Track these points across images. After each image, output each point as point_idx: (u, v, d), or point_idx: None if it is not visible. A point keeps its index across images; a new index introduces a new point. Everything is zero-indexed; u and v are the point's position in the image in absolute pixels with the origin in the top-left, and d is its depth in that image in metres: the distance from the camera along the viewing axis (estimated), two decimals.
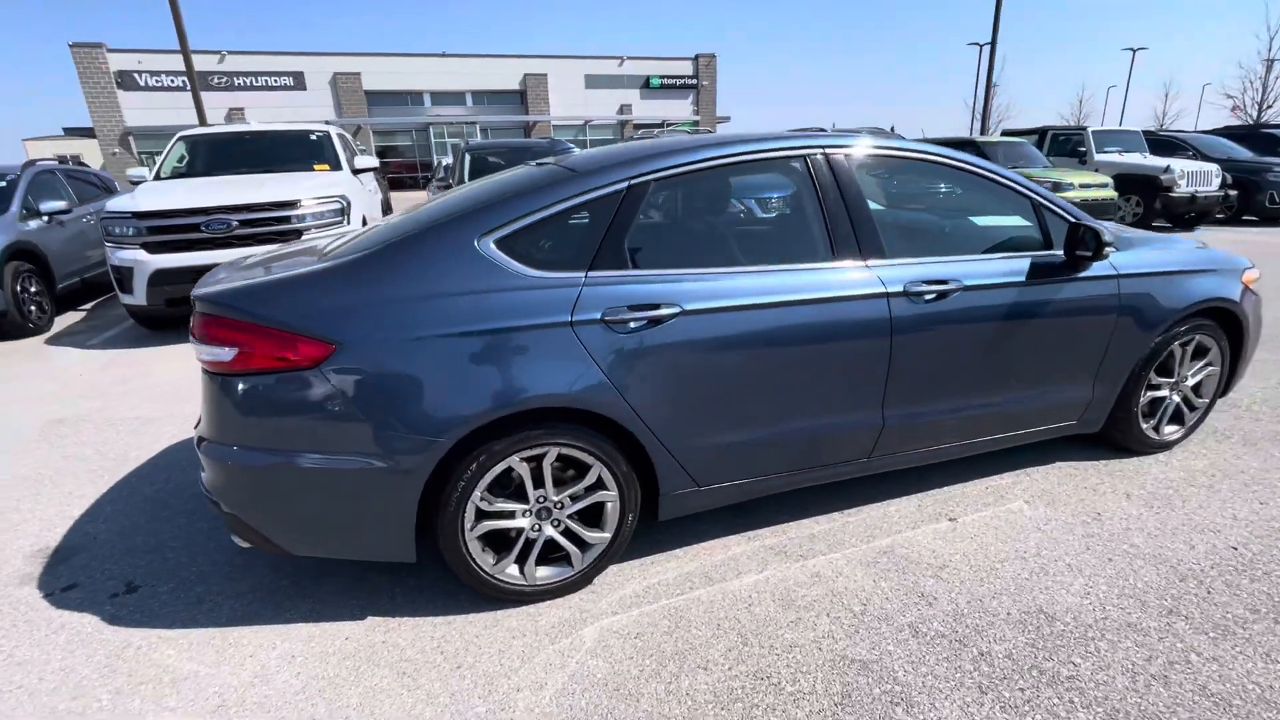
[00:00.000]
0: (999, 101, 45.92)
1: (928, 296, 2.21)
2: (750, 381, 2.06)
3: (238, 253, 4.71)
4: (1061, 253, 2.43)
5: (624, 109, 34.22)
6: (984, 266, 2.33)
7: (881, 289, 2.15)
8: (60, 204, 6.23)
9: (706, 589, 2.12)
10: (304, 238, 4.28)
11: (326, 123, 8.24)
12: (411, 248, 1.85)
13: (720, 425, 2.07)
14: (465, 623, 2.00)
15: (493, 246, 1.88)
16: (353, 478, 1.78)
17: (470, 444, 1.84)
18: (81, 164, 7.63)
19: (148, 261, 4.88)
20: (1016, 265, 2.37)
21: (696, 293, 1.97)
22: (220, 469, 1.82)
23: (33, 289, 5.76)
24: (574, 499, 2.03)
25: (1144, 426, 2.80)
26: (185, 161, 6.27)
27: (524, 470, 1.92)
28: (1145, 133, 12.45)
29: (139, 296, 4.98)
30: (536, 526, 2.01)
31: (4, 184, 6.03)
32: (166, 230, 4.92)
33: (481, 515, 1.93)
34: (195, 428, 1.94)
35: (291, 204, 5.20)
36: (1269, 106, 35.32)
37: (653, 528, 2.46)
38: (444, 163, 15.72)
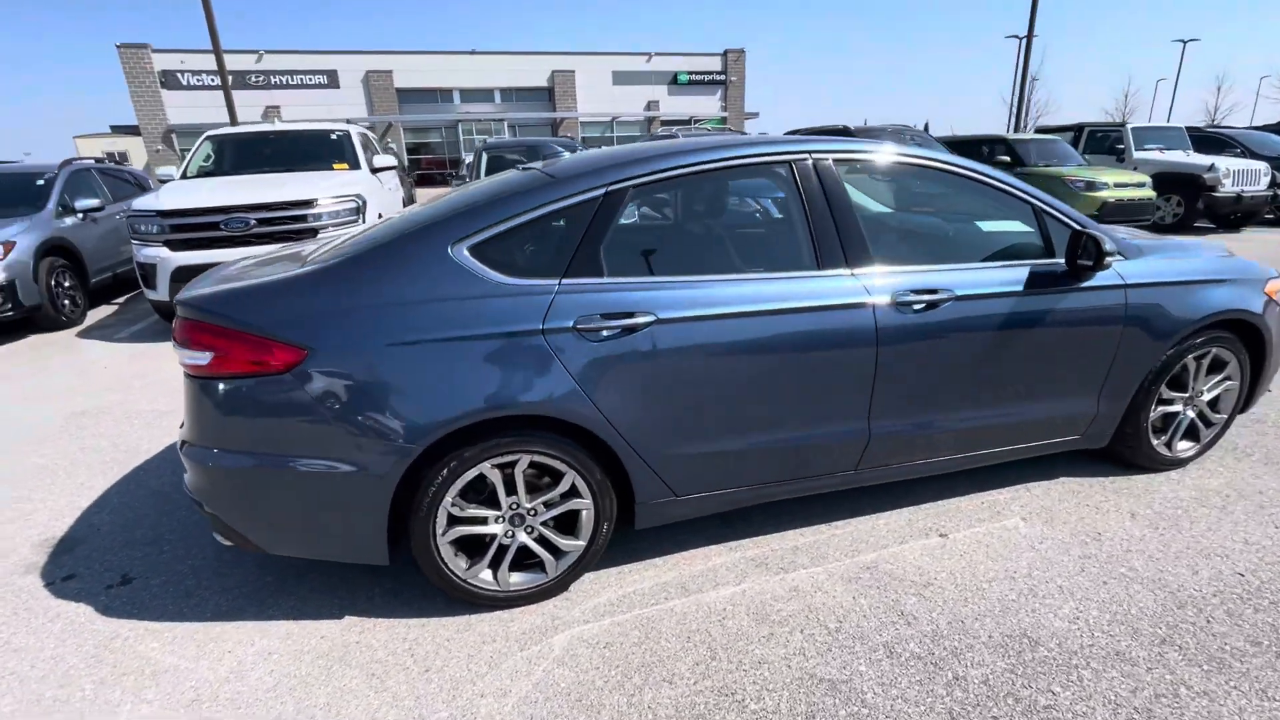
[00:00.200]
0: (1038, 97, 44.52)
1: (917, 306, 2.15)
2: (729, 391, 2.03)
3: (256, 250, 4.83)
4: (1063, 261, 2.34)
5: (651, 105, 34.15)
6: (979, 275, 2.25)
7: (867, 298, 2.09)
8: (94, 201, 6.47)
9: (681, 600, 2.10)
10: (318, 236, 4.36)
11: (349, 121, 8.39)
12: (385, 255, 1.86)
13: (698, 435, 2.05)
14: (439, 626, 2.02)
15: (466, 253, 1.88)
16: (325, 481, 1.80)
17: (440, 450, 1.85)
18: (118, 161, 7.88)
19: (170, 258, 5.04)
20: (1014, 274, 2.28)
21: (673, 301, 1.95)
22: (200, 471, 1.86)
23: (66, 283, 6.00)
24: (548, 506, 2.02)
25: (1154, 442, 2.67)
26: (211, 160, 6.45)
27: (496, 477, 1.93)
28: (1190, 129, 11.92)
29: (162, 292, 5.15)
30: (510, 533, 2.02)
31: (41, 182, 6.29)
32: (188, 228, 5.07)
33: (453, 520, 1.94)
34: (180, 429, 1.99)
35: (308, 203, 5.30)
36: None
37: (634, 536, 2.45)
38: (468, 161, 15.89)
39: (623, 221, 2.05)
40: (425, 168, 29.59)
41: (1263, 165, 10.20)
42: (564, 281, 1.90)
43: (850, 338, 2.07)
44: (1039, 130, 13.40)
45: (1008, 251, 2.40)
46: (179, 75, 27.09)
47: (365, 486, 1.81)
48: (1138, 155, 10.87)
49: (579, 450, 1.95)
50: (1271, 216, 11.19)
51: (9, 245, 5.39)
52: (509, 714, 1.69)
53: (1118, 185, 9.07)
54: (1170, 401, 2.67)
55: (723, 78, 35.27)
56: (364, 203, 5.63)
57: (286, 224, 5.24)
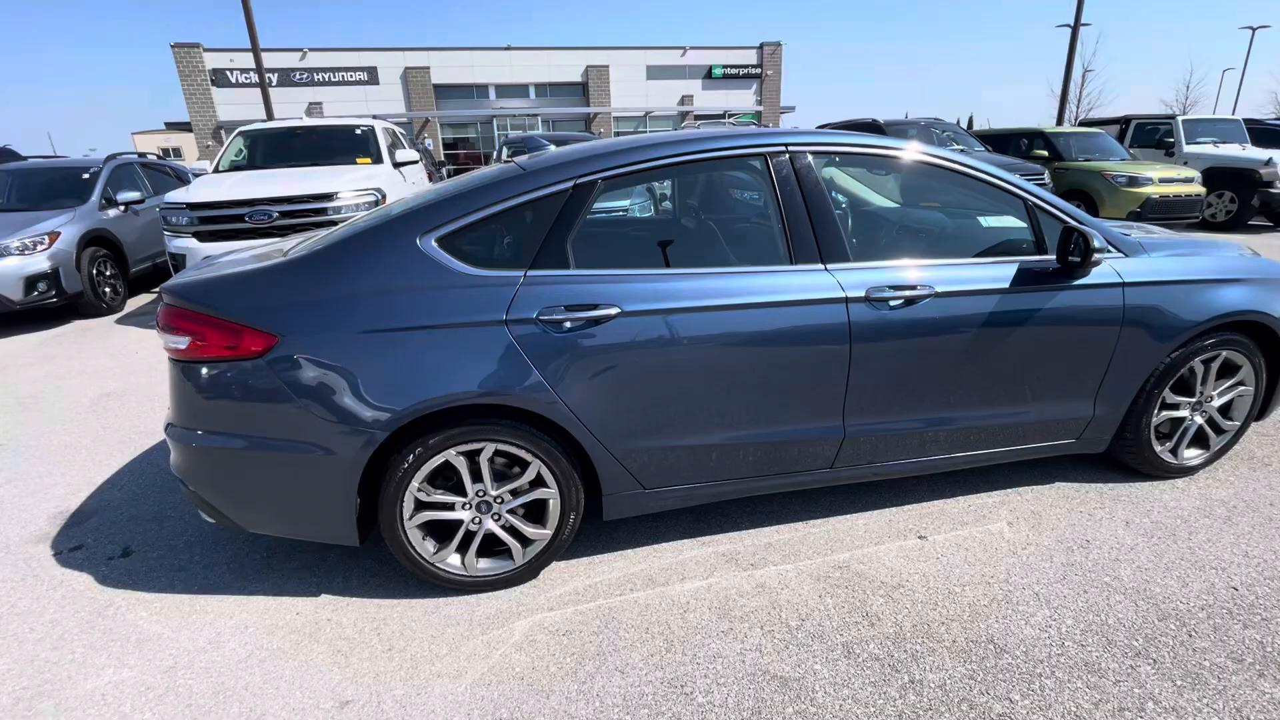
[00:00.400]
0: (1091, 87, 42.63)
1: (893, 303, 2.10)
2: (696, 385, 2.02)
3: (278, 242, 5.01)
4: (1054, 258, 2.25)
5: (684, 100, 33.90)
6: (962, 272, 2.18)
7: (840, 294, 2.06)
8: (135, 194, 6.79)
9: (646, 591, 2.11)
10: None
11: (374, 117, 8.59)
12: (356, 246, 1.91)
13: (665, 428, 2.05)
14: (407, 607, 2.07)
15: (434, 244, 1.92)
16: (295, 463, 1.87)
17: (406, 436, 1.90)
18: (160, 156, 8.25)
19: (198, 249, 5.26)
20: (1001, 271, 2.21)
21: (639, 294, 1.95)
22: (182, 450, 1.95)
23: (108, 272, 6.32)
24: (515, 494, 2.06)
25: (1158, 449, 2.56)
26: (243, 155, 6.70)
27: (462, 464, 1.96)
28: (1250, 122, 11.27)
29: None
30: (476, 519, 2.06)
31: (87, 176, 6.63)
32: (215, 220, 5.29)
33: (421, 505, 1.99)
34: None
35: (329, 196, 5.47)
36: None
37: (610, 527, 2.47)
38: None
39: (593, 214, 2.06)
40: (462, 162, 30.09)
41: None
42: (530, 273, 1.92)
43: (821, 334, 2.04)
44: (1082, 123, 12.85)
45: (1001, 248, 2.32)
46: (228, 73, 28.09)
47: (333, 469, 1.87)
48: (1188, 149, 10.33)
49: (544, 440, 1.98)
50: None
51: (54, 235, 5.71)
52: (461, 694, 1.73)
53: (1163, 180, 8.65)
54: (1175, 406, 2.55)
55: (759, 71, 34.77)
56: (384, 195, 5.77)
57: (308, 216, 5.41)
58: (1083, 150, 9.76)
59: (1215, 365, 2.50)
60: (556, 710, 1.67)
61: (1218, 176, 9.70)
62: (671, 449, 2.08)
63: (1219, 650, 1.78)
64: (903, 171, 2.38)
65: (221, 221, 5.29)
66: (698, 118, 32.70)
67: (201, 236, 5.31)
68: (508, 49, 31.70)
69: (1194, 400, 2.55)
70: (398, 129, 8.30)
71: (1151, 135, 11.14)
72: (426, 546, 2.04)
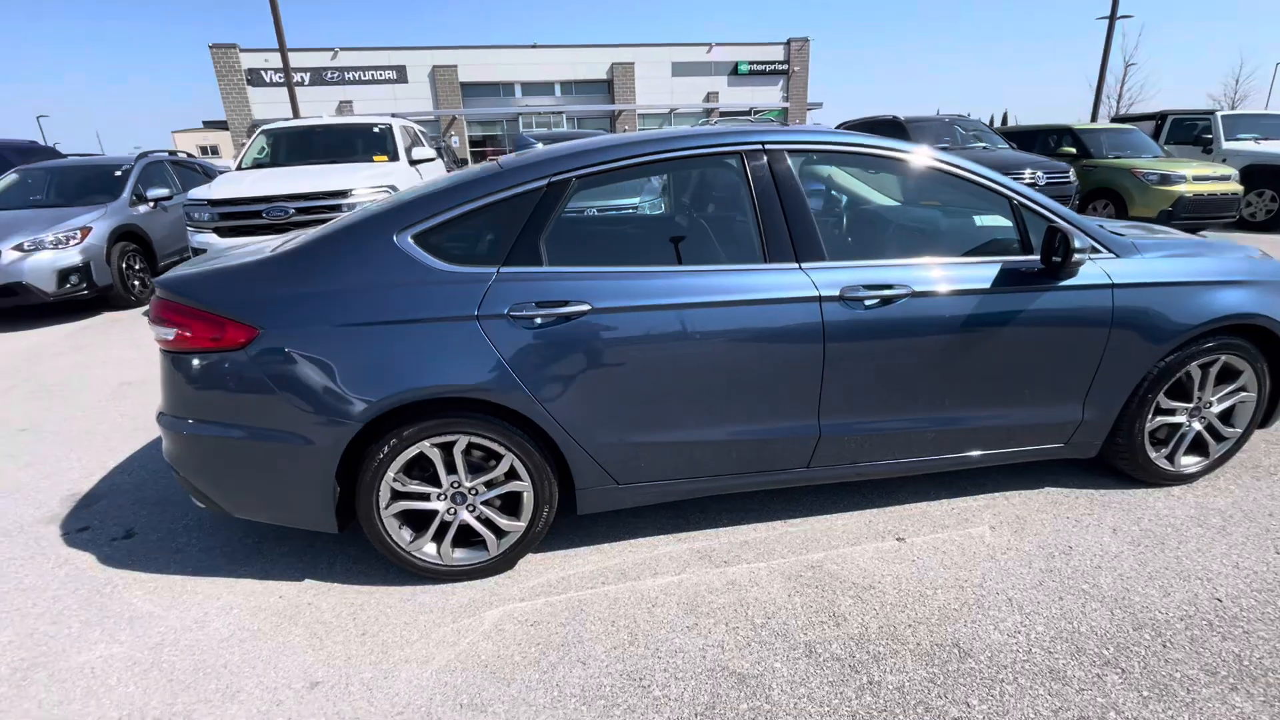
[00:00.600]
0: (1132, 81, 41.17)
1: (869, 302, 2.09)
2: (667, 383, 2.04)
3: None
4: (1039, 258, 2.21)
5: (710, 96, 33.74)
6: (942, 272, 2.15)
7: (814, 293, 2.05)
8: (164, 191, 7.04)
9: (618, 585, 2.13)
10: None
11: (391, 115, 8.74)
12: (336, 242, 1.97)
13: (637, 425, 2.07)
14: (385, 594, 2.13)
15: (410, 241, 1.97)
16: (277, 452, 1.94)
17: (382, 428, 1.95)
18: (191, 155, 8.53)
19: (218, 244, 5.43)
20: (983, 271, 2.18)
21: (610, 291, 1.97)
22: (172, 438, 2.04)
23: (136, 266, 6.57)
24: (489, 486, 2.10)
25: (1152, 455, 2.49)
26: (265, 153, 6.89)
27: (436, 456, 2.01)
28: None
29: None
30: (452, 510, 2.10)
31: (119, 173, 6.89)
32: (234, 216, 5.46)
33: (397, 495, 2.05)
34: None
35: (344, 193, 5.60)
36: None
37: (589, 521, 2.50)
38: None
39: (565, 212, 2.09)
40: (491, 159, 30.45)
41: None
42: (502, 270, 1.96)
43: (794, 333, 2.04)
44: (1115, 119, 12.44)
45: (988, 247, 2.29)
46: (263, 73, 28.83)
47: (311, 458, 1.93)
48: (1227, 146, 9.94)
49: (516, 434, 2.02)
50: None
51: (86, 230, 5.95)
52: (426, 679, 1.78)
53: (1197, 178, 8.32)
54: (1171, 411, 2.47)
55: (785, 67, 34.41)
56: (397, 192, 5.88)
57: (324, 212, 5.54)
58: (1113, 147, 9.45)
59: (1214, 370, 2.42)
60: (515, 698, 1.71)
61: (1257, 174, 9.32)
62: (644, 445, 2.10)
63: (1193, 662, 1.74)
64: (882, 170, 2.35)
65: (240, 217, 5.46)
66: (722, 114, 32.50)
67: (222, 232, 5.49)
68: (534, 47, 31.92)
69: (1191, 406, 2.47)
70: (418, 128, 8.45)
71: (1189, 131, 10.74)
72: (403, 535, 2.09)
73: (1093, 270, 2.24)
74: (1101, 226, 2.46)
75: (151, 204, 6.92)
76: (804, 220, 2.10)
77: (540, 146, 2.59)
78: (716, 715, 1.64)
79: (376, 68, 30.12)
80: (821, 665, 1.78)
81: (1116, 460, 2.53)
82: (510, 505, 2.18)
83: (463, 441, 2.00)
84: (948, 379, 2.20)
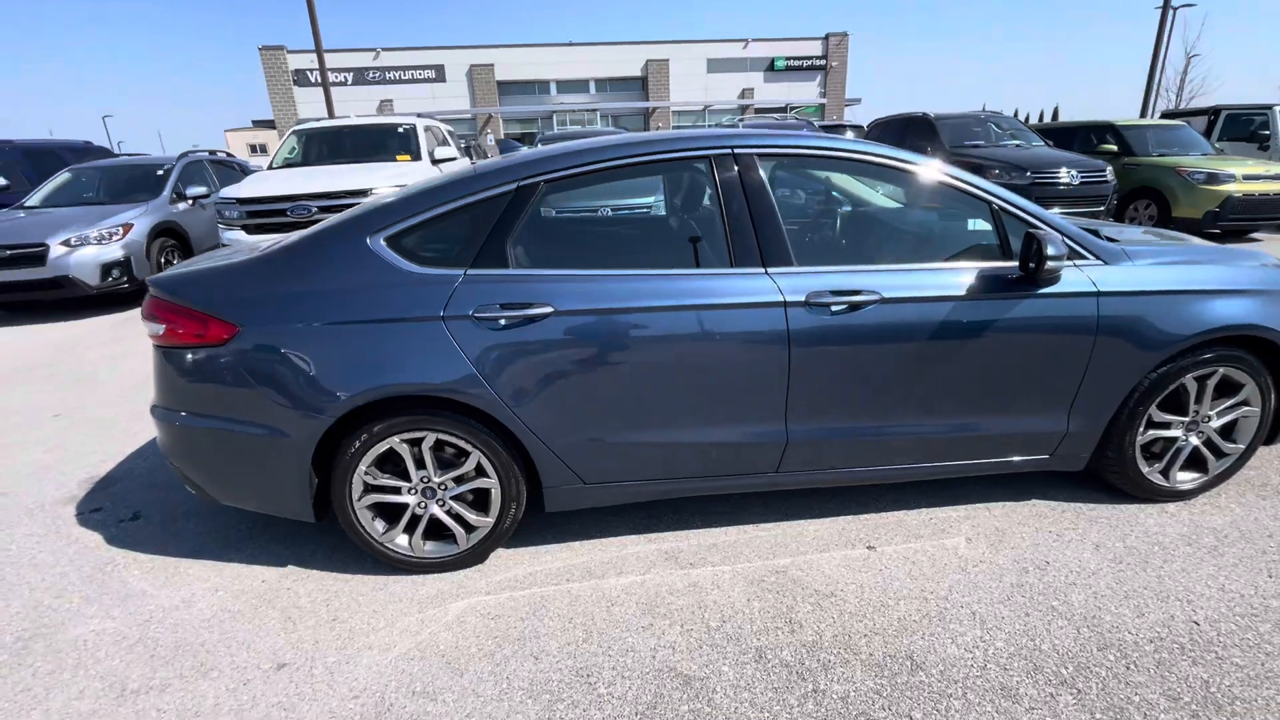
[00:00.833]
0: (1194, 74, 39.10)
1: (835, 308, 2.07)
2: (632, 385, 2.06)
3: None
4: (1017, 264, 2.15)
5: (745, 93, 33.45)
6: (915, 278, 2.12)
7: (778, 298, 2.04)
8: (202, 189, 7.37)
9: (582, 583, 2.17)
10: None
11: (418, 115, 8.94)
12: (314, 244, 2.06)
13: (602, 426, 2.10)
14: (359, 583, 2.22)
15: (383, 244, 2.04)
16: (256, 443, 2.04)
17: (353, 423, 2.03)
18: (231, 154, 8.90)
19: (246, 241, 5.67)
20: (958, 278, 2.13)
21: (573, 294, 2.00)
22: (163, 429, 2.16)
23: (175, 261, 6.90)
24: (457, 482, 2.16)
25: (1144, 469, 2.40)
26: (295, 152, 7.15)
27: (405, 451, 2.08)
28: None
29: None
30: (422, 504, 2.17)
31: (161, 172, 7.25)
32: (261, 214, 5.69)
33: (369, 488, 2.13)
34: None
35: (364, 192, 5.77)
36: None
37: (564, 518, 2.54)
38: None
39: (533, 216, 2.13)
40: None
41: None
42: (469, 272, 2.02)
43: (758, 338, 2.04)
44: (1165, 115, 11.86)
45: (968, 253, 2.24)
46: (308, 74, 29.83)
47: (288, 450, 2.02)
48: None
49: (483, 432, 2.07)
50: None
51: (128, 226, 6.29)
52: (386, 666, 1.85)
53: (1247, 177, 7.89)
54: (1165, 425, 2.38)
55: (823, 63, 33.86)
56: None
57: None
58: (1159, 144, 9.02)
59: (1211, 383, 2.32)
60: (465, 689, 1.76)
61: None
62: (611, 446, 2.13)
63: (1155, 686, 1.68)
64: (858, 175, 2.32)
65: (266, 215, 5.69)
66: (758, 111, 32.19)
67: (249, 229, 5.73)
68: (569, 45, 32.18)
69: (1187, 420, 2.37)
70: (447, 128, 8.64)
71: (1244, 127, 10.19)
72: (376, 526, 2.17)
73: (1077, 277, 2.17)
74: (1095, 233, 2.38)
75: (190, 201, 7.26)
76: (771, 225, 2.09)
77: (524, 149, 2.63)
78: (657, 715, 1.66)
79: (416, 67, 30.84)
80: (769, 671, 1.78)
81: (1108, 474, 2.45)
82: (481, 501, 2.24)
83: (431, 438, 2.07)
84: (920, 387, 2.17)
